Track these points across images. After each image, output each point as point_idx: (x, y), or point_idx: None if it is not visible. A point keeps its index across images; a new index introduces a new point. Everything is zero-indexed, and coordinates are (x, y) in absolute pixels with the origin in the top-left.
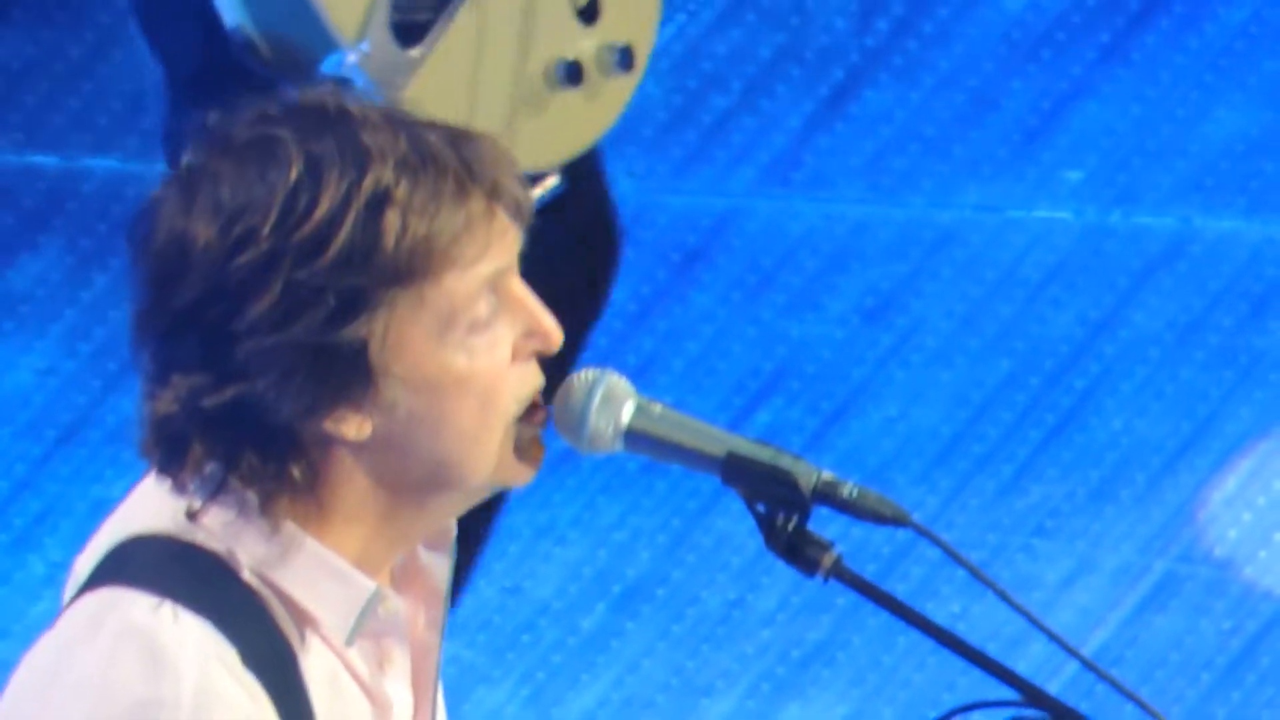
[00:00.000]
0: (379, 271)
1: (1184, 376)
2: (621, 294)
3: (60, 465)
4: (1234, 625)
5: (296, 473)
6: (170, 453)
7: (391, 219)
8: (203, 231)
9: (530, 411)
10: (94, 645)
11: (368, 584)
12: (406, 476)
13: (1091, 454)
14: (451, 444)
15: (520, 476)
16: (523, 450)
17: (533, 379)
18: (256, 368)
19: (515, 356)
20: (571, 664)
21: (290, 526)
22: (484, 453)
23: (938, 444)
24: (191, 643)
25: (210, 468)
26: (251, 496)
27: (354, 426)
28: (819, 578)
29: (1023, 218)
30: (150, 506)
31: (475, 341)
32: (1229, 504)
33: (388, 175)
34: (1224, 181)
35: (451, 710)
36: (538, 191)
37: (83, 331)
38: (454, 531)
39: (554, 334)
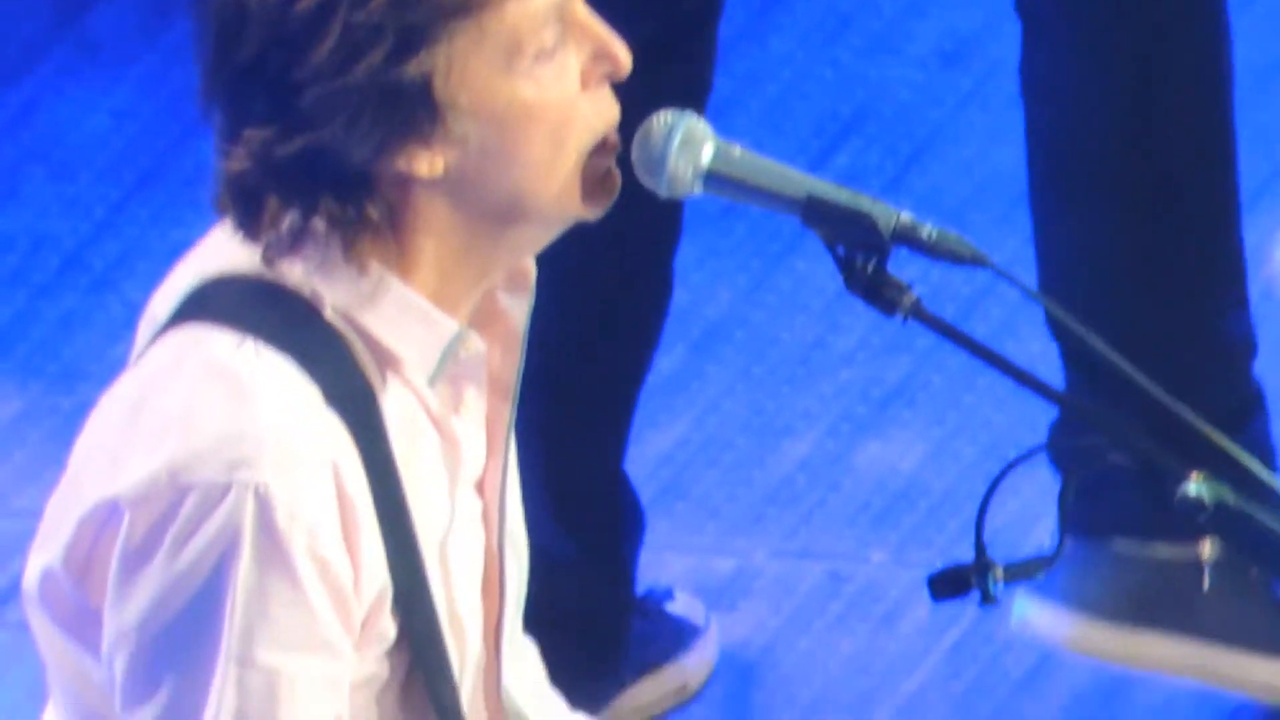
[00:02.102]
0: (435, 5)
1: (1261, 120)
2: None
3: (139, 209)
4: None
5: (375, 213)
6: (247, 207)
7: None
8: None
9: (602, 144)
10: (176, 382)
11: (451, 324)
12: (482, 211)
13: None
14: (524, 175)
15: (593, 208)
16: (596, 182)
17: (607, 110)
18: (323, 114)
19: (585, 83)
20: (651, 405)
21: (375, 268)
22: (557, 184)
23: (1016, 185)
24: (274, 378)
25: (289, 219)
26: (334, 242)
27: (426, 163)
28: (898, 318)
29: None
30: (231, 249)
31: (542, 70)
32: None
33: None
34: None
35: None
36: None
37: (161, 75)
38: (533, 273)
39: (622, 56)
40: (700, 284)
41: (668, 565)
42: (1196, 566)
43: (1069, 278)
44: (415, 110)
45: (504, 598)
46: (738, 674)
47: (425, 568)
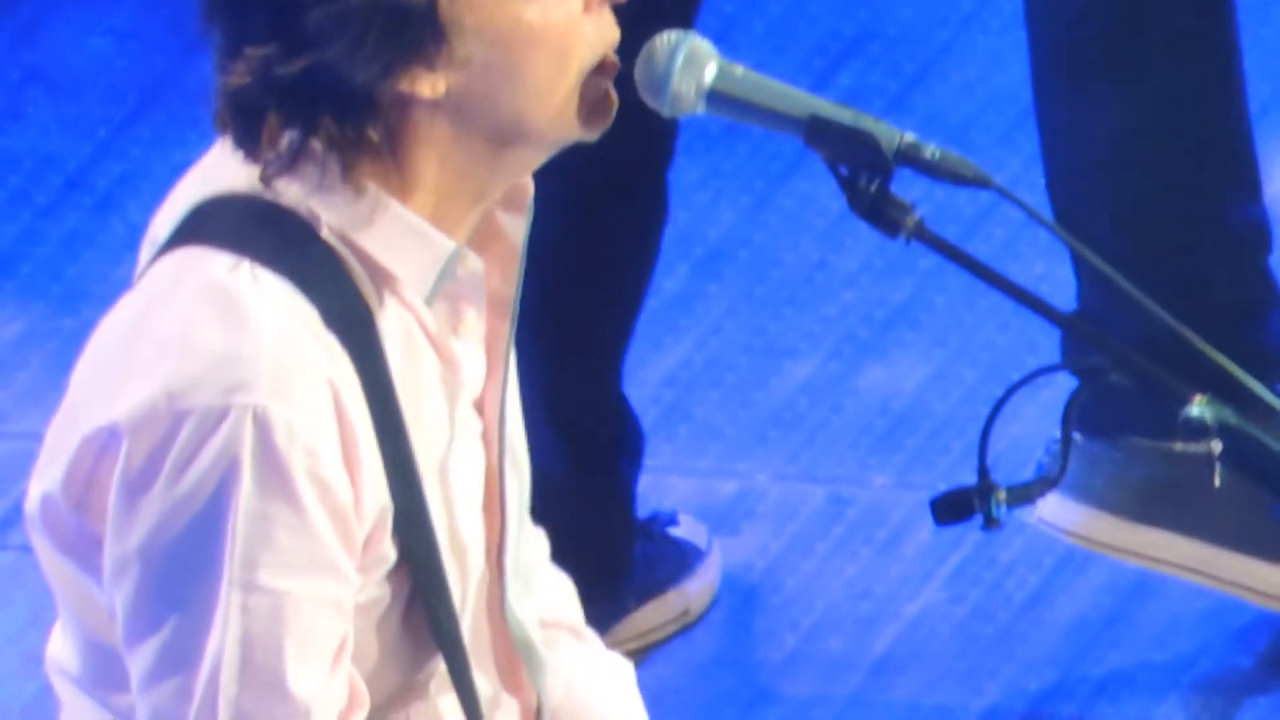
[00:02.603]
0: None
1: (1266, 37)
2: None
3: (142, 128)
4: None
5: (375, 135)
6: (246, 125)
7: None
8: None
9: (601, 65)
10: (173, 304)
11: (448, 243)
12: (483, 132)
13: None
14: (527, 97)
15: (591, 130)
16: (594, 104)
17: (608, 31)
18: (327, 34)
19: (587, 5)
20: (654, 326)
21: (372, 188)
22: (556, 105)
23: (1020, 106)
24: (270, 300)
25: (288, 138)
26: (332, 162)
27: (429, 85)
28: (901, 239)
29: None
30: (229, 168)
31: None
32: None
33: None
34: None
35: None
36: None
37: None
38: (531, 190)
39: None
40: (703, 205)
41: (670, 488)
42: (1208, 462)
43: (1075, 162)
44: (420, 32)
45: (505, 516)
46: (740, 598)
47: (424, 489)
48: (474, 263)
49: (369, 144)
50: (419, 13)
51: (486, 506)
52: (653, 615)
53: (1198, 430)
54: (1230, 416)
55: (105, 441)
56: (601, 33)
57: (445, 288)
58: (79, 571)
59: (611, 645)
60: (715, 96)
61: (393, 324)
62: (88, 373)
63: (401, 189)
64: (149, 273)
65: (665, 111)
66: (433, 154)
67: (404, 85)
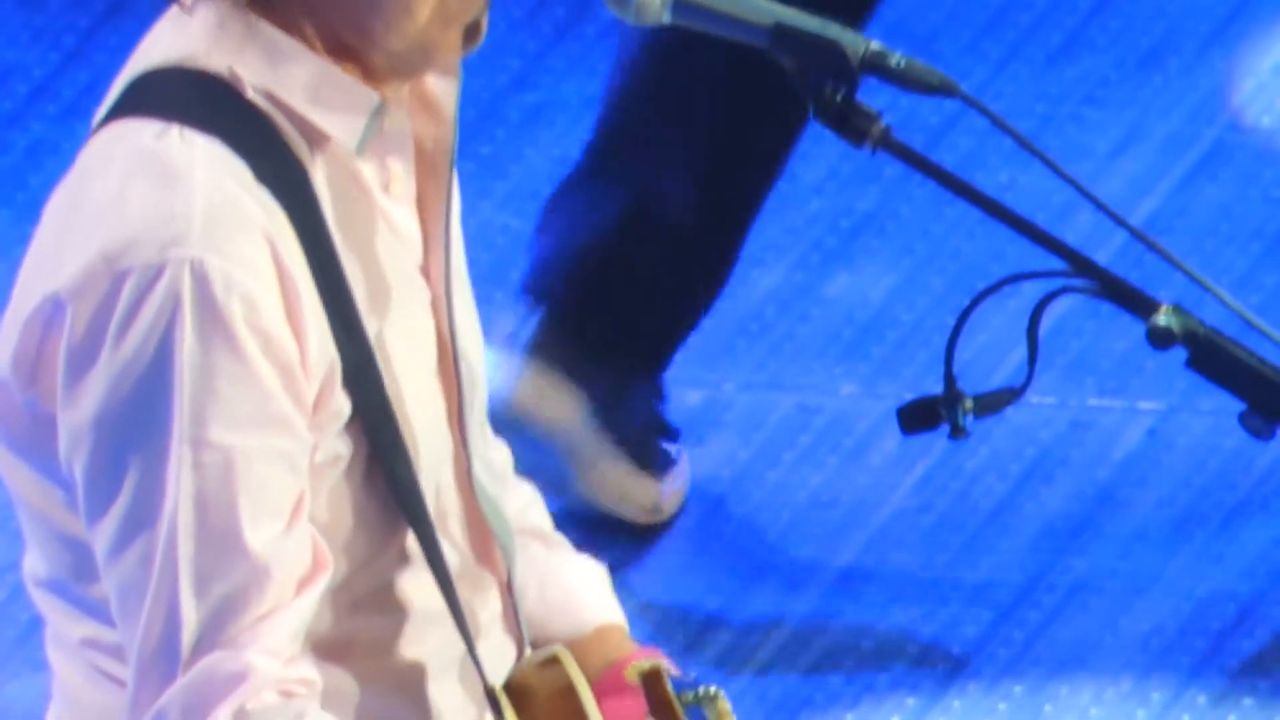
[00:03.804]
0: None
1: None
2: None
3: (108, 36)
4: None
5: None
6: None
7: None
8: None
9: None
10: (105, 174)
11: (372, 94)
12: (343, 20)
13: (1140, 21)
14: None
15: (439, 56)
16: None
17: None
18: None
19: None
20: None
21: (287, 40)
22: (408, 18)
23: (986, 13)
24: (200, 158)
25: None
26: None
27: None
28: (867, 148)
29: None
30: (160, 44)
31: None
32: (1279, 71)
33: None
34: None
35: (500, 278)
36: None
37: None
38: (459, 55)
39: None
40: None
41: None
42: None
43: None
44: None
45: (462, 384)
46: (707, 506)
47: (371, 342)
48: (399, 114)
49: None
50: None
51: (443, 375)
52: (628, 481)
53: (1165, 338)
54: (1197, 325)
55: (50, 314)
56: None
57: (372, 144)
58: (33, 469)
59: (581, 487)
60: (681, 5)
61: (325, 179)
62: (31, 257)
63: (314, 44)
64: (82, 151)
65: (630, 21)
66: (316, 7)
67: None
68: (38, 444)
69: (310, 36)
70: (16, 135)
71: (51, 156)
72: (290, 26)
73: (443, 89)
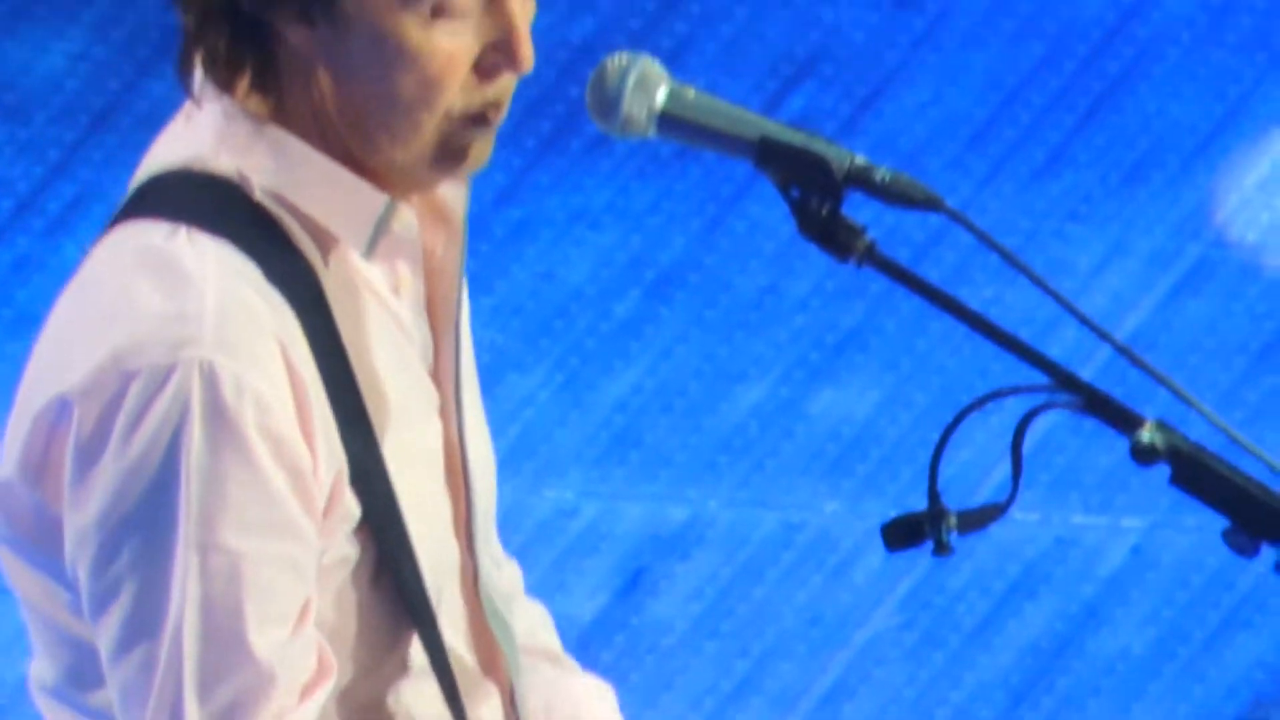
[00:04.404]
0: None
1: (1217, 59)
2: None
3: (93, 150)
4: (1267, 309)
5: (252, 62)
6: (181, 56)
7: None
8: None
9: (479, 117)
10: (114, 275)
11: (380, 196)
12: (355, 110)
13: (1124, 137)
14: (386, 106)
15: (437, 175)
16: (448, 150)
17: (491, 90)
18: None
19: (479, 64)
20: (604, 350)
21: (295, 142)
22: (415, 135)
23: (971, 128)
24: (210, 260)
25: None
26: (235, 108)
27: (302, 36)
28: (852, 262)
29: None
30: (168, 146)
31: (438, 24)
32: (1262, 187)
33: None
34: None
35: (484, 394)
36: None
37: (114, 17)
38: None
39: (523, 56)
40: (654, 228)
41: (621, 515)
42: None
43: None
44: None
45: (470, 491)
46: (692, 623)
47: (380, 444)
48: (407, 216)
49: (251, 68)
50: None
51: (450, 481)
52: None
53: (1149, 454)
54: (1181, 441)
55: (57, 413)
56: (484, 89)
57: (382, 246)
58: (40, 572)
59: None
60: (666, 119)
61: (335, 281)
62: (35, 358)
63: (321, 145)
64: (91, 252)
65: (616, 134)
66: (314, 106)
67: (279, 24)
68: (45, 546)
69: (318, 138)
70: (2, 250)
71: (38, 271)
72: (298, 128)
73: (452, 195)
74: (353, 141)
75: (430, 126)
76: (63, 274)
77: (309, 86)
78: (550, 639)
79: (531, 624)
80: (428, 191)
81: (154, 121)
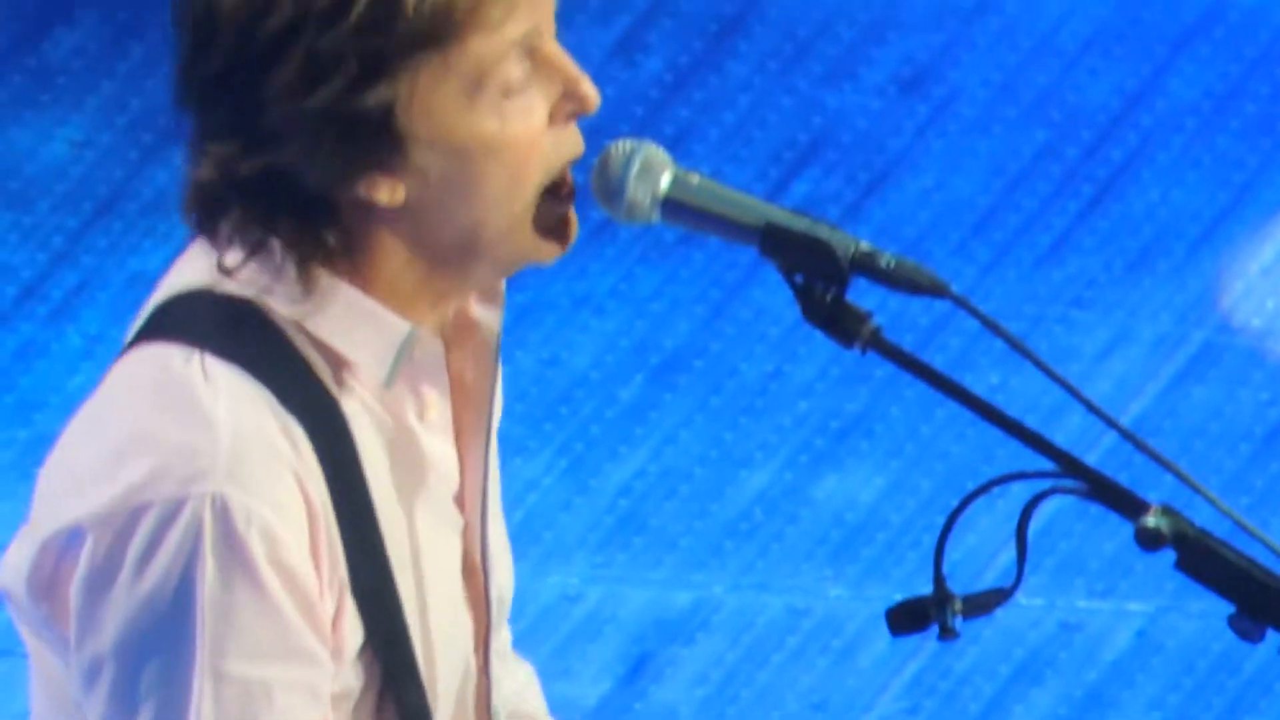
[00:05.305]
0: (400, 37)
1: (1221, 145)
2: (658, 63)
3: (97, 238)
4: (1272, 395)
5: (332, 239)
6: (209, 217)
7: None
8: (229, 0)
9: (556, 186)
10: (129, 403)
11: (402, 324)
12: (441, 242)
13: (1128, 224)
14: (482, 210)
15: (547, 251)
16: (550, 224)
17: (568, 146)
18: (285, 134)
19: (553, 120)
20: (609, 435)
21: (325, 277)
22: (512, 220)
23: (975, 214)
24: (224, 388)
25: (248, 233)
26: (289, 259)
27: (387, 191)
28: (857, 348)
29: None
30: (192, 267)
31: (508, 106)
32: (1266, 273)
33: None
34: None
35: None
36: None
37: (119, 103)
38: (503, 287)
39: (591, 96)
40: (658, 314)
41: (626, 600)
42: None
43: None
44: (377, 139)
45: (490, 612)
46: (697, 708)
47: (393, 572)
48: (431, 343)
49: (326, 247)
50: (374, 121)
51: (471, 601)
52: None
53: (1154, 539)
54: (1187, 526)
55: (67, 540)
56: (561, 145)
57: (405, 370)
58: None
59: None
60: (670, 205)
61: (354, 408)
62: (49, 478)
63: (358, 280)
64: (108, 375)
65: (621, 220)
66: (391, 260)
67: (362, 190)
68: (55, 646)
69: (372, 274)
70: (5, 336)
71: (41, 358)
72: (342, 269)
73: (486, 316)
74: (450, 251)
75: (527, 208)
76: (66, 360)
77: (366, 233)
78: (537, 701)
79: (519, 686)
80: (544, 262)
81: (158, 208)
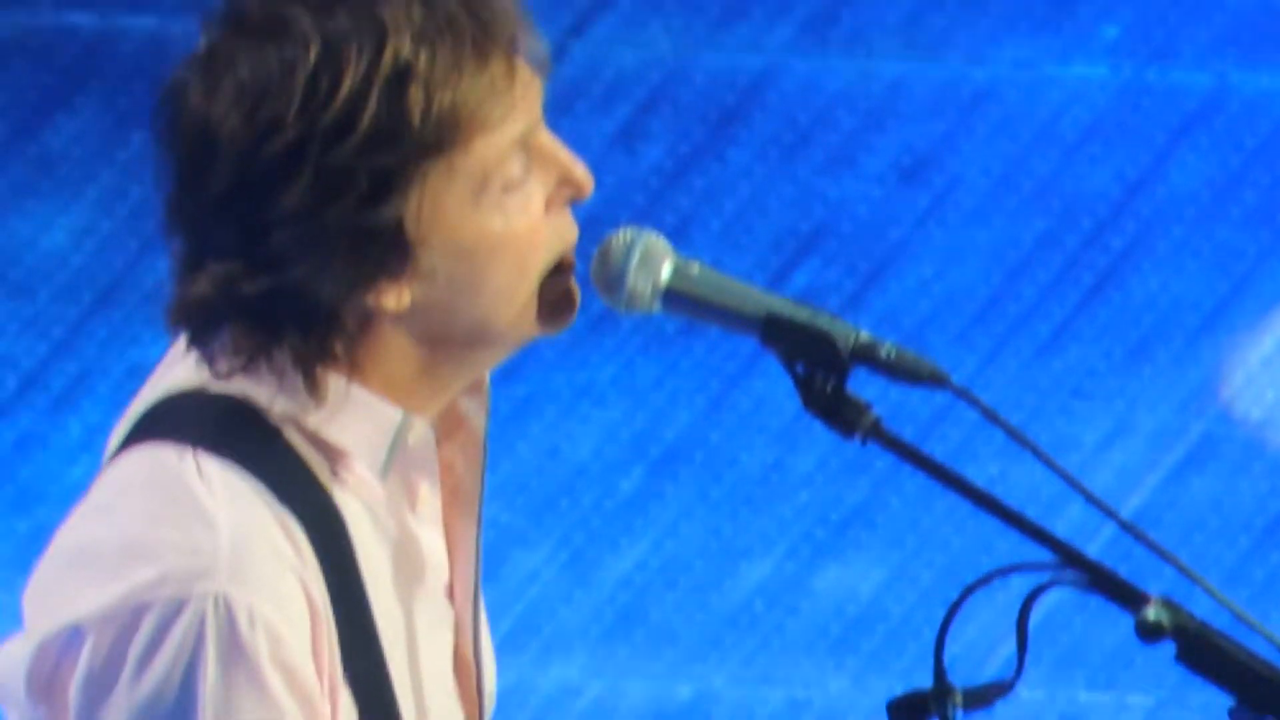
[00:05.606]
0: (408, 148)
1: (1221, 235)
2: (658, 152)
3: (97, 327)
4: (1272, 486)
5: (339, 348)
6: (204, 331)
7: (415, 94)
8: (228, 118)
9: (559, 264)
10: (125, 504)
11: (394, 411)
12: (446, 337)
13: (1128, 314)
14: (489, 302)
15: (552, 327)
16: (554, 301)
17: (567, 231)
18: (293, 254)
19: (549, 207)
20: (609, 527)
21: (322, 373)
22: (518, 307)
23: (975, 304)
24: (221, 488)
25: (249, 345)
26: (291, 369)
27: (394, 298)
28: (857, 439)
29: (1059, 74)
30: (180, 365)
31: (510, 201)
32: (1267, 364)
33: (406, 48)
34: (1261, 37)
35: (489, 573)
36: None
37: (120, 191)
38: (487, 380)
39: (586, 181)
40: (658, 405)
41: (626, 692)
42: None
43: None
44: (386, 250)
45: (482, 706)
46: None
47: (387, 664)
48: (422, 430)
49: (332, 355)
50: (385, 232)
51: (462, 694)
52: None
53: (1154, 631)
54: (1187, 619)
55: (67, 640)
56: (560, 232)
57: (397, 460)
58: None
59: None
60: (671, 295)
61: (348, 501)
62: (44, 578)
63: (356, 374)
64: (101, 477)
65: (621, 310)
66: (393, 361)
67: (370, 300)
68: None
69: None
70: (5, 427)
71: (41, 448)
72: (343, 370)
73: (473, 410)
74: (449, 352)
75: (531, 293)
76: (66, 451)
77: (369, 334)
78: None
79: None
80: (547, 334)
81: (159, 297)
